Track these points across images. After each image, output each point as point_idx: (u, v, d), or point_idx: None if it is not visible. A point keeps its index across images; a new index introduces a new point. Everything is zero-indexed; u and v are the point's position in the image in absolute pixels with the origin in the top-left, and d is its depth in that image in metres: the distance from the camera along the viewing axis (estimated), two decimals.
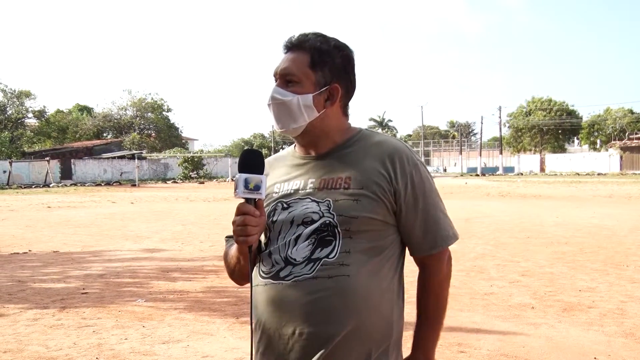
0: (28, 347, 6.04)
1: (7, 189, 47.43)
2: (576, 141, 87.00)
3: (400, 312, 1.99)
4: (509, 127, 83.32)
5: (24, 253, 12.67)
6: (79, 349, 5.97)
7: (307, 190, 1.95)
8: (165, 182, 57.11)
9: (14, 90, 71.47)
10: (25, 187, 49.06)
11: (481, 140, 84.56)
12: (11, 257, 12.09)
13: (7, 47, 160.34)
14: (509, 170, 75.29)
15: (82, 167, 59.06)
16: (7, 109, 71.01)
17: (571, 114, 78.82)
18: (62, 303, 7.93)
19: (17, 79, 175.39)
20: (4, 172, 53.27)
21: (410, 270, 2.10)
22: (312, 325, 1.85)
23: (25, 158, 60.72)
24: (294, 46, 1.99)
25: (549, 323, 6.64)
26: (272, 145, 78.53)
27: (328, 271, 1.86)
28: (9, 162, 54.98)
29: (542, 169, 76.18)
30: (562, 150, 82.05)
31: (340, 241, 1.88)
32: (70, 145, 68.25)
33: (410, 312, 2.08)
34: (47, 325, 6.87)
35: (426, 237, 1.96)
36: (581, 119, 79.48)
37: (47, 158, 58.43)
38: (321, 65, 1.96)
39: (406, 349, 2.07)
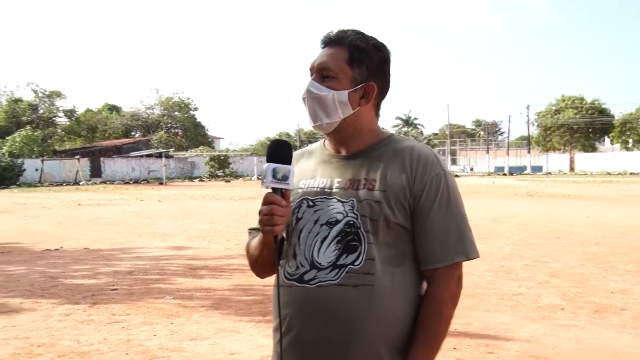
0: (60, 342, 6.13)
1: (39, 186, 48.00)
2: (607, 140, 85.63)
3: None
4: (537, 125, 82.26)
5: (56, 250, 12.83)
6: (109, 344, 6.04)
7: (333, 190, 1.95)
8: (192, 181, 57.40)
9: (45, 91, 72.47)
10: (56, 185, 49.61)
11: (509, 139, 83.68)
12: (43, 254, 12.26)
13: (38, 48, 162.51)
14: (537, 169, 74.46)
15: (111, 166, 59.58)
16: (39, 108, 72.02)
17: (602, 112, 77.56)
18: (93, 299, 8.02)
19: (48, 79, 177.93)
20: (36, 170, 53.86)
21: None
22: (335, 333, 1.85)
23: (57, 156, 61.40)
24: (333, 41, 1.98)
25: (580, 325, 6.56)
26: (298, 144, 78.43)
27: (353, 279, 1.84)
28: (41, 160, 55.62)
29: (572, 169, 75.16)
30: (593, 149, 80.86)
31: (366, 247, 1.86)
32: (99, 144, 68.95)
33: None
34: (78, 320, 6.96)
35: (436, 249, 1.90)
36: (613, 117, 78.16)
37: (77, 156, 59.05)
38: (359, 62, 1.95)
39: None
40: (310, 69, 2.00)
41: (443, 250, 1.90)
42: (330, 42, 1.99)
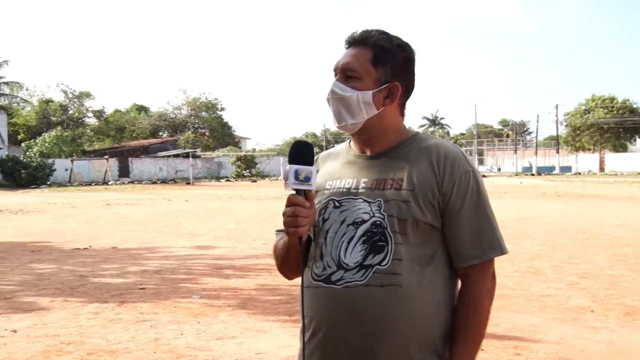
0: (89, 340, 6.20)
1: (68, 186, 48.49)
2: (639, 140, 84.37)
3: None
4: (566, 125, 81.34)
5: (85, 249, 12.98)
6: (137, 342, 6.10)
7: (360, 190, 1.93)
8: (219, 180, 57.70)
9: (75, 91, 73.31)
10: (85, 185, 50.08)
11: (537, 138, 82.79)
12: (73, 253, 12.42)
13: (68, 49, 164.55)
14: (566, 169, 73.56)
15: (139, 166, 60.06)
16: (69, 109, 72.86)
17: (634, 111, 76.36)
18: (121, 298, 8.10)
19: (78, 80, 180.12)
20: (66, 170, 54.38)
21: None
22: (362, 333, 1.84)
23: (86, 156, 61.98)
24: (357, 42, 1.97)
25: (610, 327, 6.48)
26: (324, 144, 78.46)
27: (380, 280, 1.84)
28: (71, 160, 56.23)
29: (602, 169, 74.15)
30: (624, 149, 79.72)
31: (392, 247, 1.85)
32: (127, 144, 69.53)
33: None
34: (106, 319, 7.03)
35: (470, 247, 1.90)
36: None
37: (106, 156, 59.57)
38: (383, 62, 1.94)
39: None
40: (335, 70, 1.99)
41: (477, 247, 1.90)
42: (354, 42, 1.98)
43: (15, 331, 6.53)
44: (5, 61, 58.68)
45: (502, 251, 1.93)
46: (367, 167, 1.98)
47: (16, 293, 8.48)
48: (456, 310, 1.94)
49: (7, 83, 59.69)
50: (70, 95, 72.77)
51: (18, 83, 62.73)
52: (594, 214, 19.24)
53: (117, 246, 13.31)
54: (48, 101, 71.98)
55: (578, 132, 79.00)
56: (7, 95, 61.15)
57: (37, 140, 60.28)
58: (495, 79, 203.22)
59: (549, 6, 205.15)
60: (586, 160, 77.88)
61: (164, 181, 55.14)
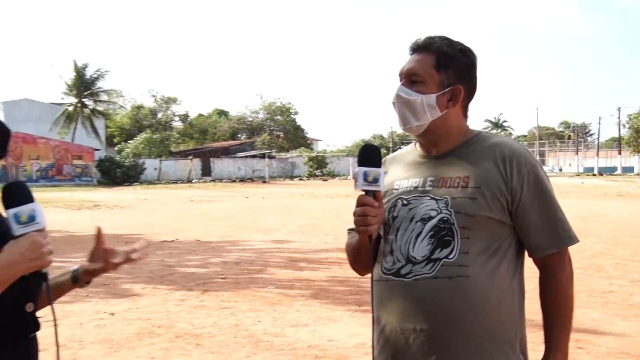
0: (177, 324, 6.36)
1: (157, 184, 49.64)
2: None
3: (521, 313, 1.93)
4: (628, 127, 77.99)
5: (172, 241, 13.26)
6: (219, 328, 6.22)
7: (426, 188, 1.92)
8: (292, 179, 57.91)
9: (164, 97, 75.13)
10: (172, 183, 51.04)
11: (599, 140, 79.88)
12: (161, 245, 12.70)
13: (158, 59, 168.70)
14: (628, 170, 70.33)
15: (220, 165, 60.77)
16: (158, 113, 74.72)
17: None
18: (204, 286, 8.26)
19: (166, 86, 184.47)
20: (155, 169, 55.47)
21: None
22: (432, 324, 1.82)
23: (172, 157, 63.15)
24: (420, 48, 1.96)
25: None
26: (391, 145, 77.77)
27: (448, 272, 1.82)
28: (159, 161, 57.48)
29: None
30: None
31: (459, 242, 1.83)
32: (209, 146, 70.44)
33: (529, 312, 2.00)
34: (192, 305, 7.20)
35: (546, 237, 1.89)
36: None
37: (190, 157, 60.59)
38: (446, 67, 1.92)
39: (532, 351, 1.99)
40: (400, 75, 1.98)
41: (554, 237, 1.89)
42: (418, 48, 1.97)
43: (113, 314, 6.76)
44: (106, 71, 60.72)
45: (576, 239, 1.94)
46: (433, 167, 1.96)
47: (113, 280, 8.73)
48: (543, 300, 1.94)
49: (105, 91, 61.61)
50: (159, 101, 74.62)
51: (116, 91, 64.75)
52: None
53: (200, 239, 13.54)
54: (140, 107, 74.00)
55: None
56: (105, 102, 63.12)
57: (130, 142, 62.02)
58: (557, 82, 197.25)
59: (607, 10, 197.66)
60: None
61: (242, 180, 55.62)
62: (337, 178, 58.95)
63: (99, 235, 1.89)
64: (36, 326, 1.67)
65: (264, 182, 51.78)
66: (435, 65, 1.91)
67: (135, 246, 1.90)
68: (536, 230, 1.88)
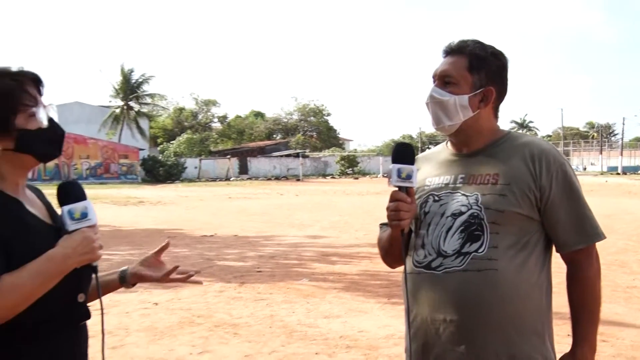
0: (215, 314, 6.42)
1: (197, 181, 50.00)
2: None
3: (548, 306, 1.92)
4: None
5: (211, 236, 13.36)
6: (256, 318, 6.26)
7: (457, 185, 1.92)
8: (325, 178, 57.84)
9: (204, 99, 75.79)
10: (211, 181, 51.38)
11: (622, 139, 78.08)
12: (201, 239, 12.84)
13: (198, 63, 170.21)
14: None
15: (256, 164, 61.00)
16: (198, 115, 75.38)
17: None
18: (241, 279, 8.32)
19: (206, 89, 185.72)
20: (195, 167, 55.86)
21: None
22: (462, 315, 1.82)
23: (211, 156, 63.51)
24: (454, 51, 1.96)
25: None
26: (419, 145, 77.18)
27: (477, 265, 1.82)
28: (199, 160, 57.95)
29: None
30: None
31: (488, 237, 1.82)
32: (246, 145, 70.68)
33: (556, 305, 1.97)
34: (229, 297, 7.26)
35: (574, 233, 1.87)
36: None
37: (228, 156, 60.87)
38: (478, 69, 1.92)
39: (558, 344, 1.96)
40: (433, 77, 1.99)
41: (582, 233, 1.88)
42: (451, 51, 1.97)
43: (156, 304, 6.86)
44: (150, 76, 61.68)
45: (603, 235, 1.92)
46: (464, 164, 1.96)
47: None
48: (571, 294, 1.92)
49: (149, 94, 62.45)
50: (200, 104, 75.27)
51: (159, 94, 65.49)
52: None
53: (238, 234, 13.62)
54: (181, 109, 74.67)
55: None
56: (149, 104, 64.00)
57: (172, 142, 62.67)
58: (582, 84, 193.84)
59: (630, 14, 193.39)
60: None
61: (277, 178, 55.72)
62: (367, 176, 58.73)
63: (163, 248, 1.94)
64: (87, 315, 1.71)
65: (298, 180, 51.84)
66: (468, 67, 1.92)
67: (190, 272, 2.00)
68: (564, 226, 1.87)
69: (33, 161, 1.64)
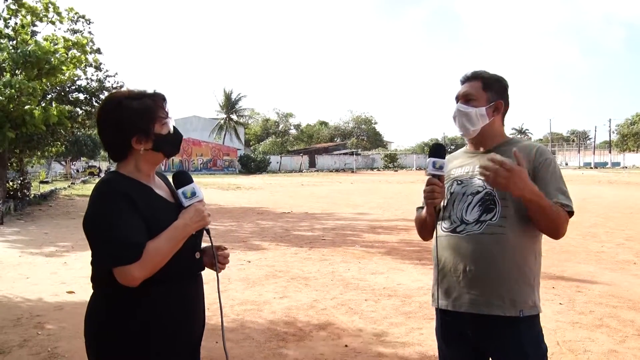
0: (292, 270, 6.48)
1: (278, 173, 50.58)
2: None
3: (539, 265, 1.90)
4: (617, 133, 72.61)
5: (288, 213, 13.48)
6: (321, 273, 6.29)
7: (475, 172, 1.92)
8: (372, 170, 57.40)
9: (284, 113, 76.45)
10: (288, 172, 51.97)
11: (595, 142, 74.38)
12: (282, 215, 12.97)
13: (279, 84, 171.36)
14: (616, 164, 64.86)
15: (321, 160, 61.13)
16: (280, 124, 76.12)
17: None
18: (310, 245, 8.37)
19: (286, 104, 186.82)
20: (277, 162, 56.59)
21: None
22: (478, 265, 1.83)
23: (289, 154, 64.16)
24: (470, 78, 1.99)
25: None
26: None
27: (491, 229, 1.83)
28: (280, 157, 58.64)
29: None
30: None
31: (500, 209, 1.83)
32: (314, 147, 70.73)
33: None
34: (302, 257, 7.31)
35: (552, 193, 1.80)
36: None
37: (301, 154, 61.31)
38: (490, 87, 1.96)
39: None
40: (456, 98, 2.01)
41: (557, 194, 1.81)
42: (468, 78, 2.00)
43: (249, 261, 6.99)
44: (244, 95, 62.93)
45: (572, 207, 1.82)
46: (481, 158, 1.95)
47: (249, 238, 9.08)
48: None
49: (244, 109, 63.61)
50: (280, 116, 75.95)
51: (251, 109, 66.56)
52: (637, 196, 17.13)
53: (308, 212, 13.68)
54: (267, 120, 75.53)
55: (625, 138, 70.03)
56: (245, 116, 65.18)
57: (260, 144, 63.48)
58: (565, 100, 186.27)
59: (602, 53, 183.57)
60: (632, 158, 68.22)
61: (337, 170, 55.77)
62: (404, 169, 57.95)
63: (217, 248, 1.79)
64: (202, 267, 1.77)
65: (352, 172, 51.70)
66: (483, 87, 1.95)
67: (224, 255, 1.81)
68: (550, 190, 1.82)
69: (162, 157, 1.68)
